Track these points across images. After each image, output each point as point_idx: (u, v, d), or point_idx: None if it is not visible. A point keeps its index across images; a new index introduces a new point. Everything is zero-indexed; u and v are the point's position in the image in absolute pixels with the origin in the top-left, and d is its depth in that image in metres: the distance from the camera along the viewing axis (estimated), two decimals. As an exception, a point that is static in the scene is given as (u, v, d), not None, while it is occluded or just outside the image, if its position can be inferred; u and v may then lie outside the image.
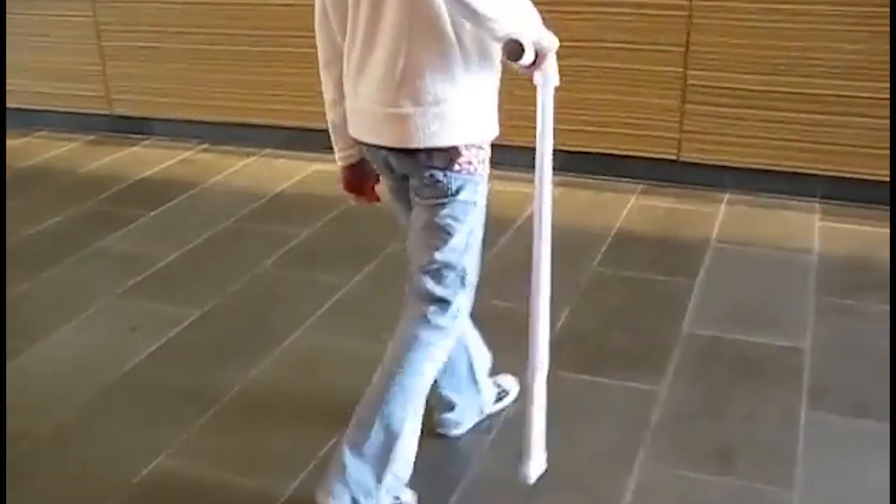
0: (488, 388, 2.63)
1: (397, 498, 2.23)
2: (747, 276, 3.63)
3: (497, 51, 1.98)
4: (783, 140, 4.27)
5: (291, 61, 4.87)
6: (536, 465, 2.23)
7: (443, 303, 2.17)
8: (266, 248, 3.90)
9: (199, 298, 3.47)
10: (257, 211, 4.37)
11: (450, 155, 2.02)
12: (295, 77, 4.85)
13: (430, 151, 2.01)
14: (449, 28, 1.92)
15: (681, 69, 4.34)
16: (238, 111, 5.17)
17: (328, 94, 2.19)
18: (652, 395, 2.85)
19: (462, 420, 2.59)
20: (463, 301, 2.20)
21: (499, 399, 2.69)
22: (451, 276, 2.15)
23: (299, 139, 4.93)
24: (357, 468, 2.14)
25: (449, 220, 2.09)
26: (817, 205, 4.28)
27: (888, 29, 3.89)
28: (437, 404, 2.50)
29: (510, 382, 2.74)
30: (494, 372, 2.69)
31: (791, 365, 3.00)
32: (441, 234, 2.11)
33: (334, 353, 3.11)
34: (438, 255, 2.12)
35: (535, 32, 1.93)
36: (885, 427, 2.66)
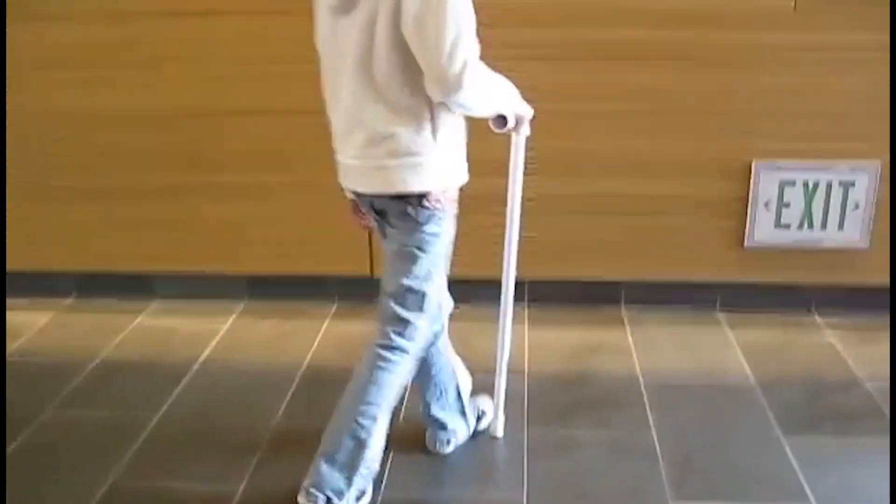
0: (472, 409, 2.94)
1: (362, 492, 2.56)
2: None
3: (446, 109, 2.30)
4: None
5: None
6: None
7: (405, 323, 2.49)
8: None
9: None
10: None
11: (422, 196, 2.34)
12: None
13: (405, 195, 2.33)
14: (416, 96, 2.25)
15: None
16: None
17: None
18: None
19: (454, 438, 2.90)
20: (423, 324, 2.52)
21: (478, 419, 2.98)
22: (412, 299, 2.48)
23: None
24: (330, 474, 2.47)
25: (414, 250, 2.41)
26: (526, 310, 3.96)
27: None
28: (429, 425, 2.88)
29: (487, 403, 3.04)
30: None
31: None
32: (407, 262, 2.44)
33: None
34: (404, 280, 2.46)
35: (514, 105, 2.48)
36: None
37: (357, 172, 2.41)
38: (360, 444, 2.48)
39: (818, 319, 3.93)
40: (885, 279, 3.88)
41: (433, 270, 2.48)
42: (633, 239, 3.90)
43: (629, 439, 3.02)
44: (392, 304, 2.50)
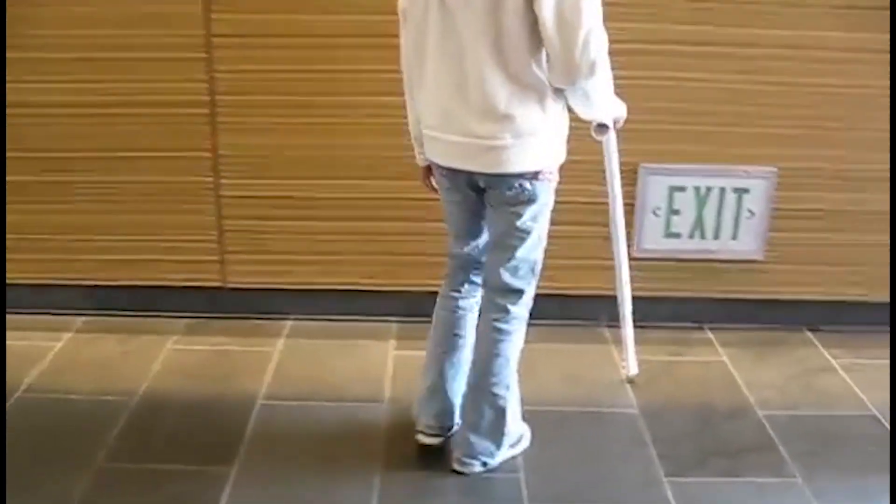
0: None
1: (520, 436, 2.78)
2: (294, 458, 2.80)
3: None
4: (340, 254, 3.55)
5: None
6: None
7: (520, 293, 2.54)
8: None
9: None
10: None
11: (538, 172, 2.36)
12: None
13: (522, 173, 2.35)
14: (541, 73, 2.26)
15: (211, 178, 3.50)
16: None
17: (412, 114, 2.52)
18: None
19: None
20: (532, 289, 2.57)
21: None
22: (524, 269, 2.52)
23: None
24: (479, 443, 2.63)
25: (529, 223, 2.43)
26: (394, 326, 3.59)
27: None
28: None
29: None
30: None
31: None
32: (522, 235, 2.46)
33: None
34: (519, 253, 2.48)
35: (615, 109, 2.55)
36: None
37: (464, 150, 2.37)
38: (501, 412, 2.61)
39: (710, 335, 3.65)
40: (781, 292, 3.62)
41: (542, 236, 2.52)
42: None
43: (490, 480, 2.68)
44: (506, 277, 2.52)
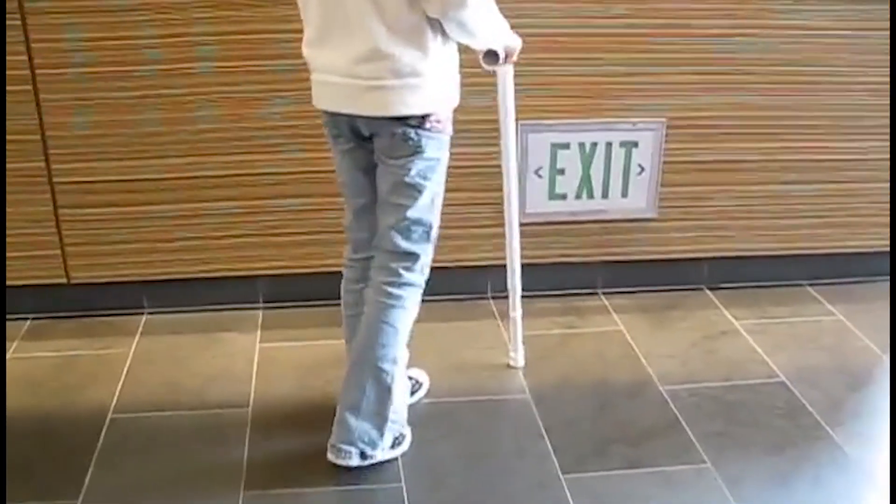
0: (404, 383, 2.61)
1: (401, 435, 2.50)
2: (147, 483, 2.46)
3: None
4: (191, 240, 3.20)
5: None
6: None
7: (413, 257, 2.37)
8: None
9: None
10: None
11: (422, 118, 2.23)
12: None
13: (406, 117, 2.21)
14: (417, 14, 2.13)
15: (42, 163, 3.10)
16: None
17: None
18: None
19: None
20: (428, 255, 2.41)
21: (413, 392, 2.73)
22: (418, 232, 2.36)
23: None
24: (359, 426, 2.38)
25: (418, 179, 2.29)
26: (261, 314, 3.25)
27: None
28: None
29: (422, 375, 2.82)
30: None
31: None
32: (411, 193, 2.30)
33: None
34: (409, 213, 2.32)
35: (505, 39, 2.42)
36: None
37: (345, 92, 2.24)
38: (386, 391, 2.39)
39: (604, 301, 3.41)
40: (676, 251, 3.38)
41: (436, 198, 2.37)
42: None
43: (370, 492, 2.39)
44: (397, 239, 2.36)
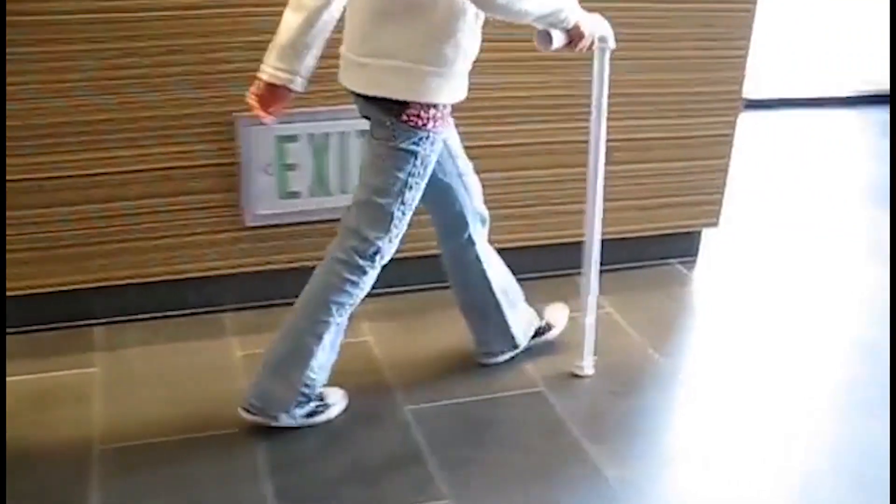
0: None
1: (322, 401, 2.47)
2: None
3: (465, 25, 2.13)
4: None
5: None
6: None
7: (365, 242, 2.31)
8: None
9: None
10: None
11: (399, 107, 2.16)
12: None
13: (384, 100, 2.16)
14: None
15: None
16: None
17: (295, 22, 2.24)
18: None
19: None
20: (384, 248, 2.33)
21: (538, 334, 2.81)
22: (378, 217, 2.29)
23: None
24: (272, 385, 2.37)
25: (388, 165, 2.24)
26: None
27: None
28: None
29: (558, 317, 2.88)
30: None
31: None
32: (379, 175, 2.27)
33: None
34: (374, 196, 2.29)
35: (571, 20, 2.19)
36: None
37: (346, 67, 2.26)
38: (308, 354, 2.36)
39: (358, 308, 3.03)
40: (421, 247, 3.05)
41: (405, 193, 2.28)
42: (103, 233, 2.83)
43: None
44: (356, 215, 2.33)
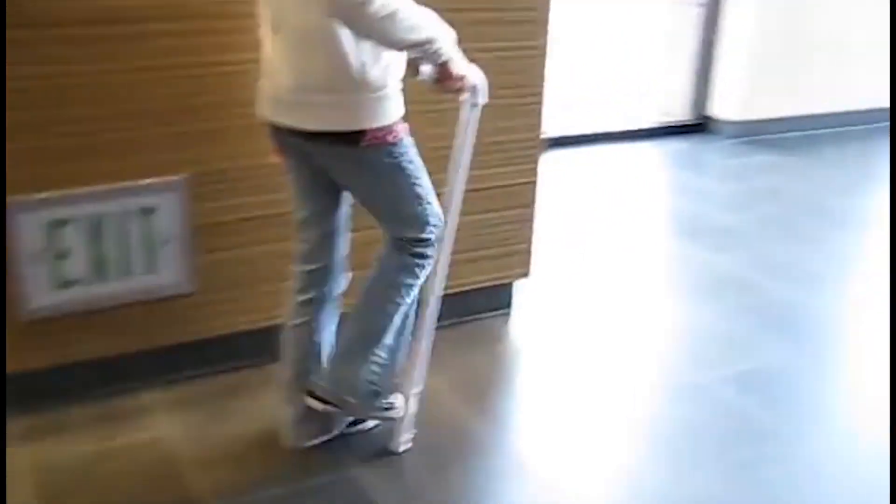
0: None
1: (390, 403, 2.51)
2: None
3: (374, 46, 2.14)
4: None
5: None
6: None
7: (414, 240, 2.38)
8: None
9: None
10: None
11: (357, 135, 2.19)
12: None
13: (338, 133, 2.20)
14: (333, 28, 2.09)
15: None
16: None
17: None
18: None
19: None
20: (430, 220, 2.38)
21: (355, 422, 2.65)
22: (408, 221, 2.36)
23: None
24: (342, 365, 2.43)
25: (379, 181, 2.30)
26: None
27: None
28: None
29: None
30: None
31: None
32: (379, 195, 2.35)
33: None
34: (392, 212, 2.37)
35: (437, 56, 2.22)
36: None
37: (283, 105, 2.24)
38: (378, 334, 2.41)
39: (147, 400, 2.80)
40: (219, 327, 2.84)
41: (413, 188, 2.32)
42: None
43: None
44: (392, 230, 2.38)
